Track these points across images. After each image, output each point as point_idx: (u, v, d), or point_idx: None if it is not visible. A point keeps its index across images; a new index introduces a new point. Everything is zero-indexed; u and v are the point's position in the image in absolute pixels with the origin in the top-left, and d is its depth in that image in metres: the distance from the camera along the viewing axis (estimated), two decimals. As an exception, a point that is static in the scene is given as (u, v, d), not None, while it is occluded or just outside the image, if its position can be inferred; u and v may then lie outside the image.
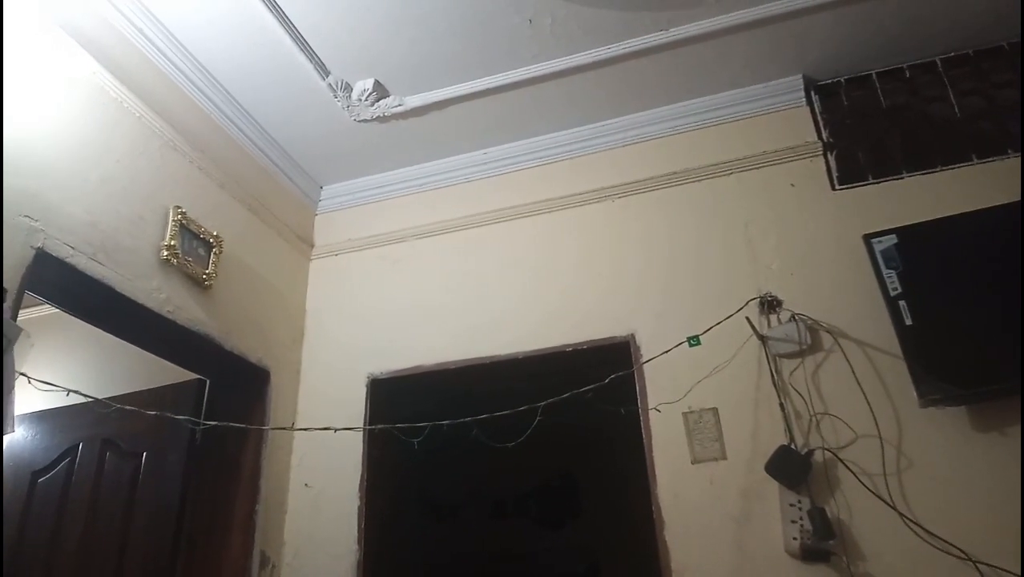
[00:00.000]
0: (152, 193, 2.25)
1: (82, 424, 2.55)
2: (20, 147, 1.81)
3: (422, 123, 2.87)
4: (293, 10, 2.34)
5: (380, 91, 2.71)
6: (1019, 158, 2.39)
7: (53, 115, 1.95)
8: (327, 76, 2.61)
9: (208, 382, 2.46)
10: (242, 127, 2.76)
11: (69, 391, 1.68)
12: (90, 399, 1.81)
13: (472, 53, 2.56)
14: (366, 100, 2.72)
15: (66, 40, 2.02)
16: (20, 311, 1.73)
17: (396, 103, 2.76)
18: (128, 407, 1.84)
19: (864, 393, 2.16)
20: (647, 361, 2.39)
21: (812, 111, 2.71)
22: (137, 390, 2.63)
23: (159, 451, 2.43)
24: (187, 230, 2.33)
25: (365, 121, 2.82)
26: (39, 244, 1.80)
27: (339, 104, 2.73)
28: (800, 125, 2.69)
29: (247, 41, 2.44)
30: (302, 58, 2.50)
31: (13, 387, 1.50)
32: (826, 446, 2.14)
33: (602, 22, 2.45)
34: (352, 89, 2.69)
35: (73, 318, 2.12)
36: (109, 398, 2.02)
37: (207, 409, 2.43)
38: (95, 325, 2.10)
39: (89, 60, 2.09)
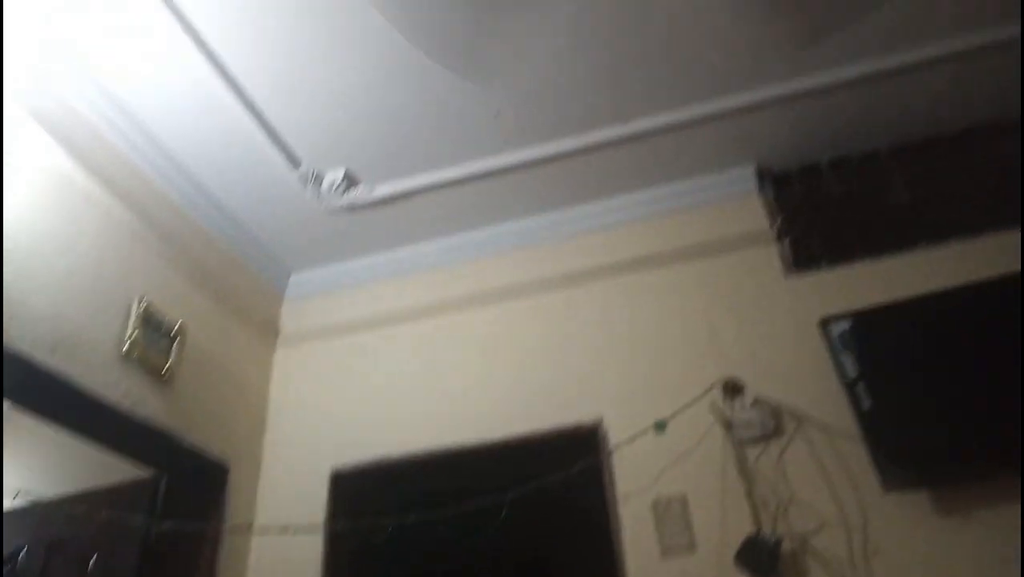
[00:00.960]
0: (117, 284, 2.24)
1: (28, 527, 2.42)
2: (-19, 242, 1.80)
3: (391, 211, 2.91)
4: (266, 104, 2.40)
5: (350, 181, 2.77)
6: (966, 243, 2.48)
7: (20, 206, 1.94)
8: (298, 167, 2.67)
9: (164, 479, 2.38)
10: (211, 216, 2.78)
11: (17, 493, 1.62)
12: (38, 500, 1.74)
13: (441, 144, 2.64)
14: (336, 190, 2.77)
15: (36, 130, 2.04)
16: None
17: (366, 192, 2.81)
18: (76, 510, 1.77)
19: (828, 478, 2.17)
20: (614, 448, 2.38)
21: (765, 199, 2.81)
22: (89, 489, 2.52)
23: (109, 553, 2.32)
24: (150, 321, 2.31)
25: (335, 210, 2.87)
26: (-4, 340, 1.77)
27: (309, 194, 2.78)
28: (754, 213, 2.79)
29: (219, 133, 2.48)
30: (274, 150, 2.55)
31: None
32: (794, 533, 2.13)
33: (564, 116, 2.55)
34: (323, 179, 2.74)
35: (22, 412, 2.06)
36: (59, 498, 1.94)
37: (163, 507, 2.33)
38: (49, 422, 2.04)
39: (58, 151, 2.11)
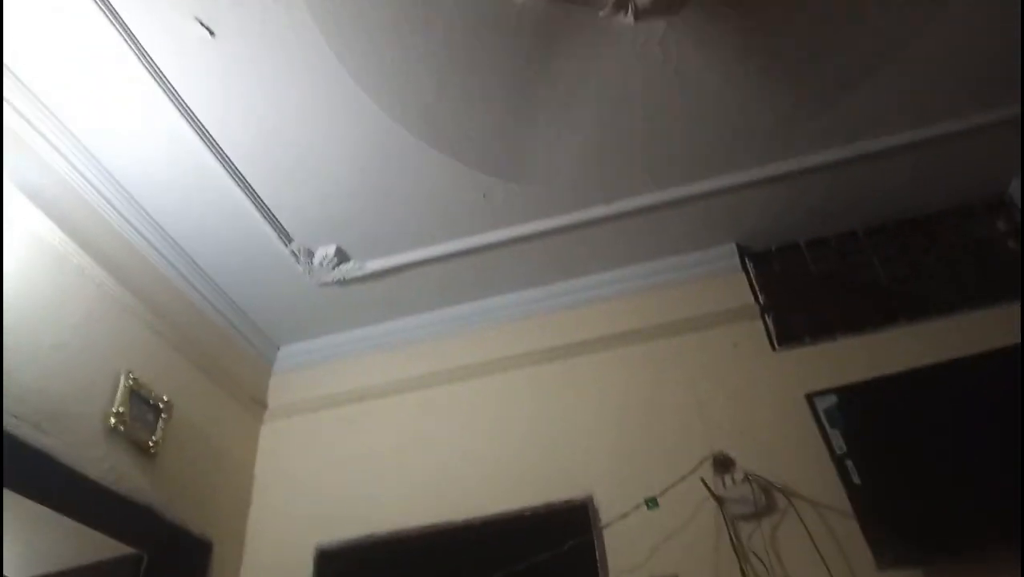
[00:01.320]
0: (105, 358, 2.23)
1: (0, 609, 2.33)
2: (-26, 316, 1.80)
3: (381, 285, 2.95)
4: (259, 182, 2.46)
5: (341, 256, 2.81)
6: (946, 319, 2.56)
7: (10, 279, 1.94)
8: (290, 243, 2.71)
9: (145, 557, 2.31)
10: (201, 289, 2.80)
11: (-6, 574, 1.57)
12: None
13: (430, 222, 2.70)
14: (327, 265, 2.81)
15: (27, 204, 2.06)
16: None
17: (356, 267, 2.85)
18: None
19: (822, 556, 2.15)
20: (606, 526, 2.35)
21: (748, 276, 2.89)
22: (71, 567, 2.44)
23: (85, 637, 2.23)
24: (137, 395, 2.29)
25: (326, 284, 2.90)
26: (-19, 415, 1.75)
27: (300, 269, 2.81)
28: (737, 289, 2.86)
29: (212, 209, 2.53)
30: (266, 227, 2.60)
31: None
32: (789, 614, 2.10)
33: (549, 197, 2.64)
34: (314, 255, 2.79)
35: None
36: (37, 578, 1.88)
37: (144, 586, 2.26)
38: (31, 498, 1.98)
39: (51, 225, 2.12)
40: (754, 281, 2.88)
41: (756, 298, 2.83)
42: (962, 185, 2.77)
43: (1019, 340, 2.26)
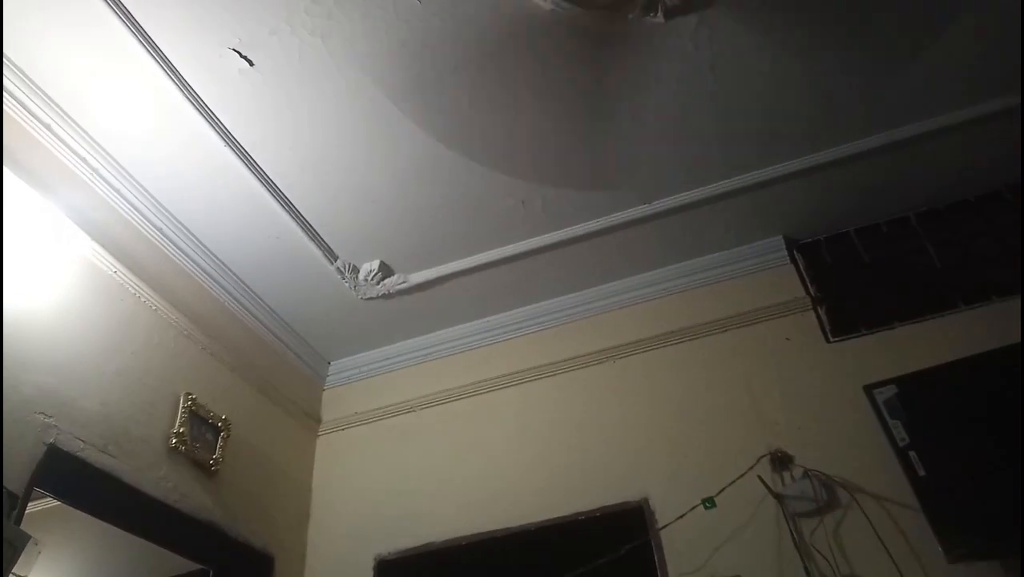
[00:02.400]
0: (164, 382, 2.30)
1: (78, 626, 2.42)
2: (38, 346, 1.88)
3: (426, 297, 2.98)
4: (304, 204, 2.53)
5: (385, 271, 2.85)
6: (1005, 302, 2.46)
7: (72, 312, 2.04)
8: (335, 260, 2.76)
9: (211, 573, 2.37)
10: (253, 311, 2.87)
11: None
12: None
13: (471, 232, 2.72)
14: (372, 280, 2.86)
15: (83, 238, 2.15)
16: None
17: (401, 280, 2.89)
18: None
19: (888, 551, 2.08)
20: (663, 527, 2.32)
21: (797, 268, 2.82)
22: (138, 585, 2.53)
23: (157, 652, 2.30)
24: (196, 416, 2.37)
25: (371, 299, 2.94)
26: (51, 440, 1.82)
27: (346, 285, 2.87)
28: (787, 282, 2.80)
29: (261, 234, 2.60)
30: (312, 246, 2.66)
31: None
32: (857, 612, 2.04)
33: (589, 200, 2.63)
34: (359, 271, 2.84)
35: (73, 509, 2.09)
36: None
37: (210, 601, 2.33)
38: (100, 518, 2.05)
39: (108, 257, 2.22)
40: (804, 273, 2.82)
41: (807, 290, 2.76)
42: (1017, 163, 2.65)
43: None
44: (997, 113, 2.45)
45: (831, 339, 2.62)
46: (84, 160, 2.21)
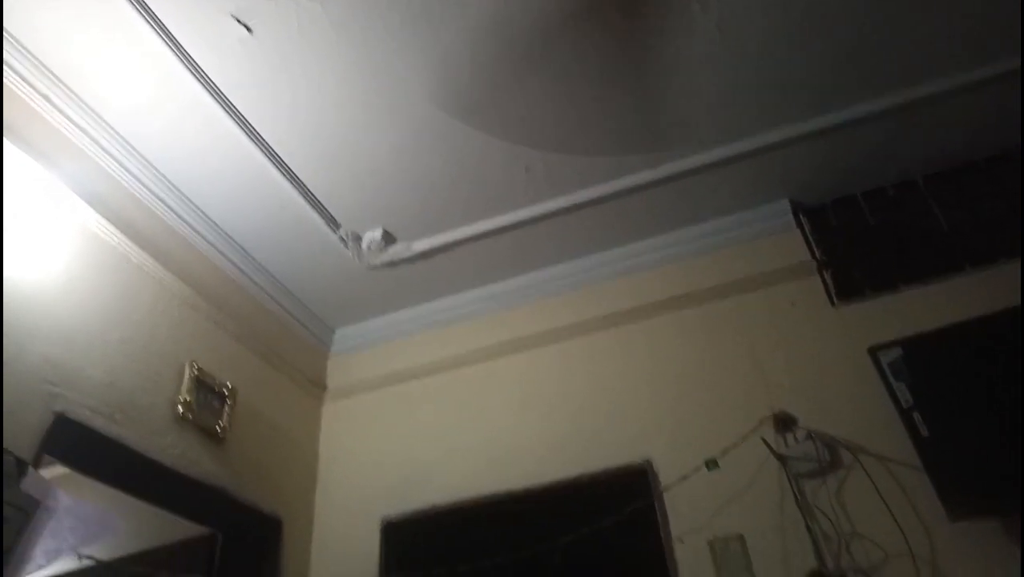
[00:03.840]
0: (169, 350, 2.32)
1: (92, 589, 2.47)
2: (44, 316, 1.89)
3: (430, 265, 2.98)
4: (305, 172, 2.51)
5: (388, 239, 2.84)
6: (1011, 265, 2.44)
7: (76, 282, 2.04)
8: (338, 229, 2.76)
9: (220, 536, 2.41)
10: (257, 280, 2.88)
11: (81, 556, 1.67)
12: (100, 562, 1.78)
13: (474, 199, 2.70)
14: (375, 248, 2.85)
15: (85, 209, 2.14)
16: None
17: (404, 248, 2.88)
18: (138, 570, 1.80)
19: (890, 510, 2.09)
20: (666, 488, 2.34)
21: (803, 232, 2.80)
22: (148, 548, 2.57)
23: (170, 613, 2.35)
24: (202, 384, 2.38)
25: (375, 267, 2.94)
26: (59, 408, 1.84)
27: (349, 253, 2.86)
28: (793, 246, 2.78)
29: (262, 201, 2.59)
30: (314, 214, 2.65)
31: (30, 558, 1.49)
32: (858, 568, 2.05)
33: (592, 166, 2.60)
34: (361, 239, 2.83)
35: (84, 477, 2.12)
36: (119, 559, 1.98)
37: (219, 564, 2.36)
38: (109, 485, 2.09)
39: (110, 227, 2.21)
40: (810, 237, 2.79)
41: (813, 254, 2.74)
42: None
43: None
44: (1005, 74, 2.40)
45: (836, 303, 2.61)
46: (84, 131, 2.19)
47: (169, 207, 2.48)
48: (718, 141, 2.58)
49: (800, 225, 2.83)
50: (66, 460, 1.93)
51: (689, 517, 2.30)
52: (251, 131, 2.32)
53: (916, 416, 2.13)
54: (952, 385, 2.16)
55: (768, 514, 2.24)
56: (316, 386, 3.13)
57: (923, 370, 2.22)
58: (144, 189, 2.40)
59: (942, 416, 2.11)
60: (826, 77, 2.37)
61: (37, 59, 2.04)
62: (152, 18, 1.96)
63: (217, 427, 2.38)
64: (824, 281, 2.67)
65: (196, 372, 2.36)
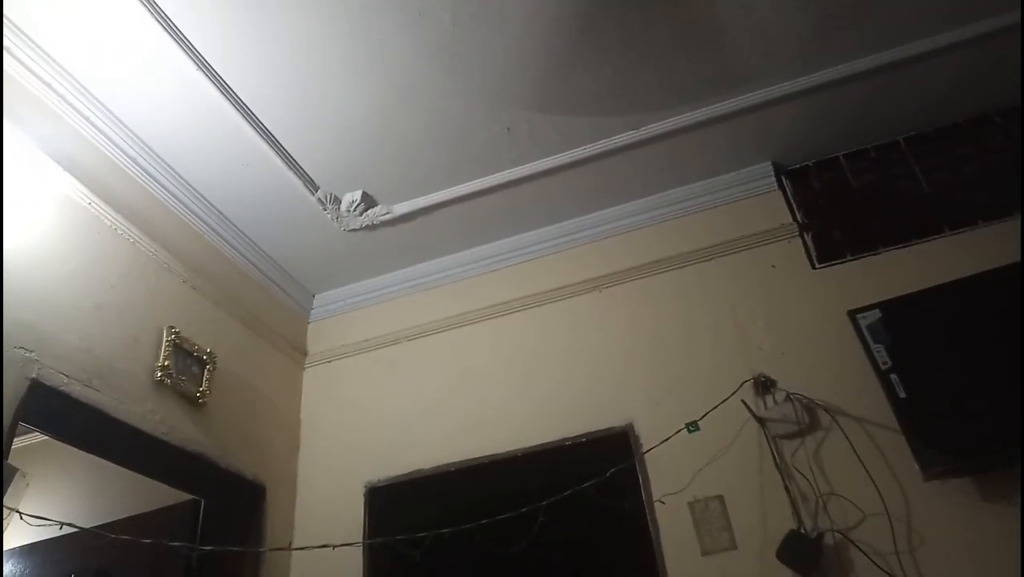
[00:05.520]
0: (146, 315, 2.28)
1: (74, 555, 2.47)
2: (16, 281, 1.84)
3: (410, 228, 2.94)
4: (282, 132, 2.45)
5: (368, 201, 2.80)
6: (990, 226, 2.46)
7: (48, 246, 1.99)
8: (316, 191, 2.71)
9: (203, 502, 2.41)
10: (235, 244, 2.83)
11: (62, 524, 1.65)
12: (83, 530, 1.77)
13: (455, 161, 2.66)
14: (355, 211, 2.81)
15: (57, 171, 2.09)
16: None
17: (384, 211, 2.84)
18: (121, 536, 1.80)
19: (867, 470, 2.14)
20: (647, 451, 2.36)
21: (784, 194, 2.81)
22: (131, 515, 2.56)
23: (155, 578, 2.35)
24: (181, 349, 2.35)
25: (355, 230, 2.90)
26: (33, 374, 1.80)
27: (329, 216, 2.82)
28: (774, 208, 2.78)
29: (239, 164, 2.53)
30: (292, 176, 2.60)
31: None
32: (835, 528, 2.10)
33: (575, 127, 2.57)
34: (341, 201, 2.78)
35: (64, 445, 2.10)
36: (102, 526, 1.96)
37: (203, 530, 2.35)
38: (88, 452, 2.06)
39: (82, 189, 2.16)
40: (791, 199, 2.80)
41: (794, 216, 2.75)
42: (1006, 87, 2.61)
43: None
44: (988, 34, 2.39)
45: (817, 265, 2.62)
46: (54, 90, 2.12)
47: (142, 168, 2.42)
48: (700, 102, 2.55)
49: (782, 187, 2.83)
50: (43, 426, 1.91)
51: (670, 479, 2.33)
52: (225, 88, 2.25)
53: (894, 377, 2.16)
54: (930, 347, 2.20)
55: (747, 475, 2.27)
56: (297, 351, 3.11)
57: (902, 332, 2.24)
58: (118, 151, 2.34)
59: (920, 378, 2.14)
60: (810, 36, 2.34)
61: (4, 16, 1.95)
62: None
63: (197, 393, 2.36)
64: (805, 243, 2.68)
65: (174, 337, 2.33)
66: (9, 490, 1.55)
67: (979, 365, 2.11)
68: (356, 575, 2.51)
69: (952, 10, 2.32)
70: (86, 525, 1.82)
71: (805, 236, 2.69)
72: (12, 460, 1.65)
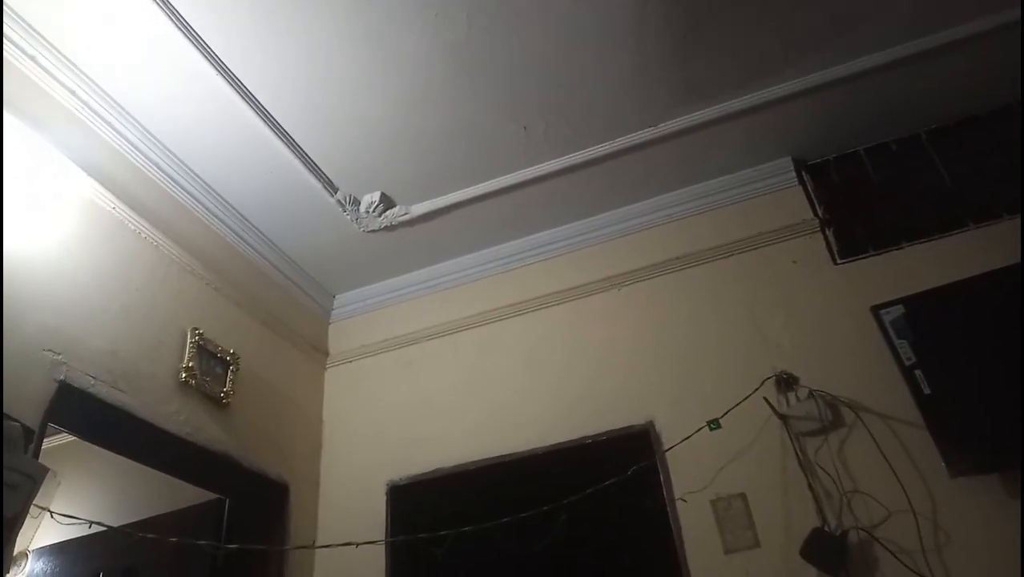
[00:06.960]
0: (170, 317, 2.31)
1: (103, 553, 2.51)
2: (43, 285, 1.88)
3: (428, 228, 2.96)
4: (301, 135, 2.47)
5: (387, 202, 2.82)
6: (1014, 220, 2.42)
7: (74, 251, 2.03)
8: (335, 193, 2.73)
9: (228, 501, 2.44)
10: (256, 247, 2.86)
11: (91, 523, 1.68)
12: (111, 528, 1.80)
13: (472, 161, 2.67)
14: (374, 212, 2.82)
15: (82, 176, 2.12)
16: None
17: (402, 212, 2.86)
18: (148, 535, 1.82)
19: (892, 467, 2.11)
20: (668, 449, 2.36)
21: (805, 190, 2.78)
22: (157, 514, 2.61)
23: (181, 576, 2.38)
24: (205, 350, 2.38)
25: (373, 231, 2.92)
26: (61, 377, 1.84)
27: (348, 217, 2.84)
28: (795, 204, 2.75)
29: (259, 167, 2.56)
30: (311, 179, 2.62)
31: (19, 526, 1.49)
32: (860, 525, 2.08)
33: (592, 125, 2.56)
34: (360, 203, 2.80)
35: (91, 445, 2.14)
36: (129, 525, 2.01)
37: (228, 529, 2.39)
38: (116, 452, 2.10)
39: (107, 194, 2.20)
40: (812, 194, 2.77)
41: (815, 212, 2.72)
42: (1028, 78, 2.56)
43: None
44: (1008, 25, 2.34)
45: (838, 261, 2.59)
46: (78, 97, 2.16)
47: (165, 173, 2.46)
48: (718, 98, 2.53)
49: (802, 182, 2.81)
50: (71, 428, 1.94)
51: (692, 477, 2.32)
52: (245, 92, 2.28)
53: (918, 374, 2.13)
54: (954, 342, 2.16)
55: (770, 473, 2.25)
56: (318, 351, 3.14)
57: (925, 328, 2.21)
58: (141, 156, 2.38)
59: (944, 374, 2.11)
60: (831, 29, 2.31)
61: (30, 26, 1.99)
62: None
63: (221, 394, 2.39)
64: (826, 239, 2.66)
65: (198, 339, 2.36)
66: (41, 490, 1.58)
67: (1005, 360, 2.07)
68: (379, 573, 2.53)
69: (972, 1, 2.28)
70: (114, 524, 1.86)
71: (826, 231, 2.66)
72: (43, 460, 1.68)
